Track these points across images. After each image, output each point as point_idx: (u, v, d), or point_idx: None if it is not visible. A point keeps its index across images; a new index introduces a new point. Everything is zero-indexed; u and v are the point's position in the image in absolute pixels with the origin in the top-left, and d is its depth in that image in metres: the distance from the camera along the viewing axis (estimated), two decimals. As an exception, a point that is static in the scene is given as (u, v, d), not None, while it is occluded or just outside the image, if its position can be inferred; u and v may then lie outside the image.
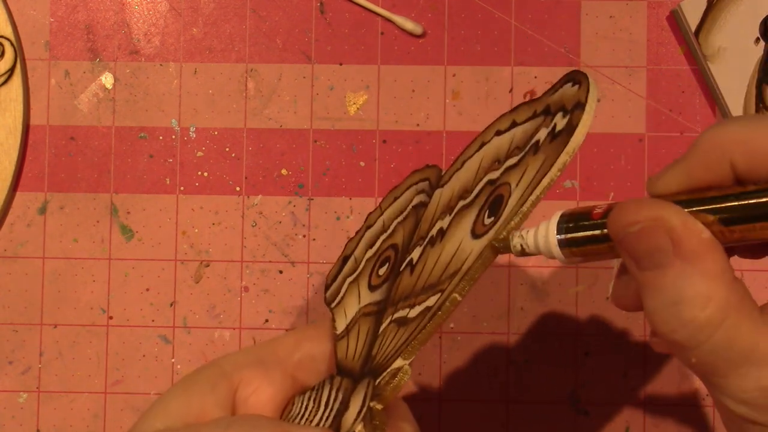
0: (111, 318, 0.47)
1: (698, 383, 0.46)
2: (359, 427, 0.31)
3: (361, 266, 0.36)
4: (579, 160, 0.47)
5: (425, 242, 0.33)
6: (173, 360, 0.47)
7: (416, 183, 0.37)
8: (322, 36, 0.47)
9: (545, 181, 0.28)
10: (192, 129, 0.47)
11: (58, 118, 0.47)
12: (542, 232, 0.29)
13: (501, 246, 0.29)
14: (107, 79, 0.48)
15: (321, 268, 0.47)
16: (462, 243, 0.31)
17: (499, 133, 0.33)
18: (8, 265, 0.47)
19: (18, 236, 0.47)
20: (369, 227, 0.37)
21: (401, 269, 0.33)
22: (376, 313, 0.34)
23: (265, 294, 0.47)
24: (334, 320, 0.34)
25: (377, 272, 0.35)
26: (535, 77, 0.47)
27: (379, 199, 0.47)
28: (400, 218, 0.36)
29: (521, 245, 0.29)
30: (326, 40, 0.47)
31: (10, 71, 0.47)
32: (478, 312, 0.47)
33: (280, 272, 0.47)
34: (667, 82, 0.47)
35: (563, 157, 0.28)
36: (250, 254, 0.47)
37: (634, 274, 0.27)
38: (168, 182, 0.47)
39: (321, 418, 0.32)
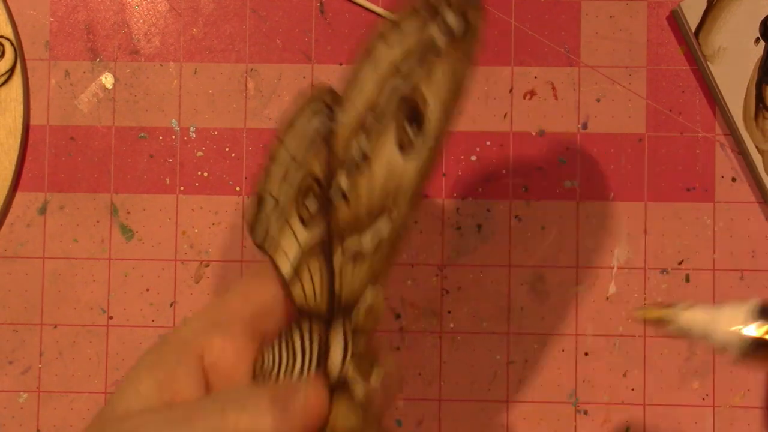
0: (111, 318, 0.47)
1: (698, 383, 0.46)
2: (350, 365, 0.31)
3: (282, 203, 0.35)
4: (579, 160, 0.47)
5: (349, 168, 0.32)
6: (173, 360, 0.47)
7: (309, 105, 0.35)
8: (322, 36, 0.47)
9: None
10: (192, 129, 0.47)
11: (58, 118, 0.47)
12: (724, 323, 0.26)
13: (649, 317, 0.28)
14: (107, 79, 0.48)
15: (321, 268, 0.47)
16: (391, 160, 0.31)
17: (383, 37, 0.32)
18: (8, 265, 0.47)
19: (18, 236, 0.47)
20: (273, 160, 0.35)
21: (334, 200, 0.33)
22: (322, 249, 0.33)
23: (265, 294, 0.47)
24: (276, 265, 0.34)
25: (305, 207, 0.34)
26: (535, 77, 0.47)
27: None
28: (307, 146, 0.34)
29: (687, 326, 0.26)
30: (326, 40, 0.47)
31: (10, 71, 0.47)
32: (478, 312, 0.47)
33: (280, 272, 0.47)
34: (667, 82, 0.47)
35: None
36: (250, 254, 0.47)
37: None
38: (168, 182, 0.47)
39: (302, 365, 0.32)
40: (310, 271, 0.33)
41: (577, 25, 0.47)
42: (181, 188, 0.47)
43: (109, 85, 0.48)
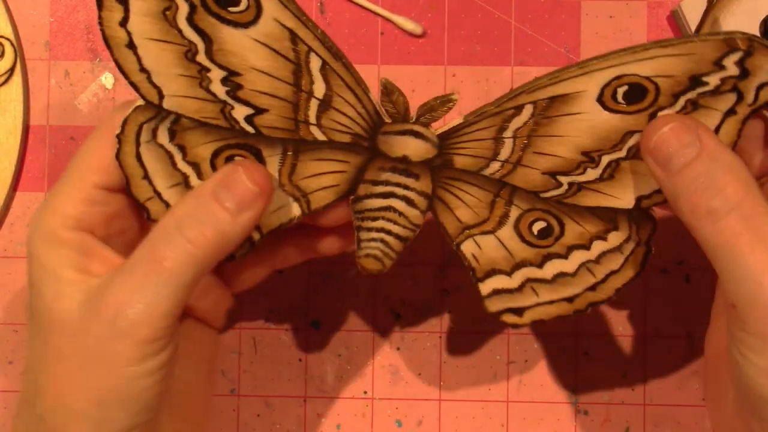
0: (111, 318, 0.47)
1: (698, 383, 0.46)
2: (433, 134, 0.33)
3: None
4: (579, 160, 0.47)
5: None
6: (173, 360, 0.47)
7: (134, 128, 0.35)
8: (322, 36, 0.47)
9: None
10: (192, 129, 0.47)
11: (58, 118, 0.47)
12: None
13: None
14: (107, 79, 0.48)
15: (321, 267, 0.47)
16: None
17: None
18: (8, 265, 0.47)
19: (18, 236, 0.47)
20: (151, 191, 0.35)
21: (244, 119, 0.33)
22: (294, 152, 0.33)
23: (265, 294, 0.47)
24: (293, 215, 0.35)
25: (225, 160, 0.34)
26: (536, 77, 0.47)
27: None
28: (165, 163, 0.35)
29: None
30: (326, 40, 0.47)
31: (10, 71, 0.47)
32: (478, 312, 0.47)
33: (280, 272, 0.47)
34: (667, 82, 0.47)
35: None
36: (250, 254, 0.47)
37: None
38: (168, 182, 0.47)
39: (404, 192, 0.34)
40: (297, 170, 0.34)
41: (577, 25, 0.47)
42: (181, 188, 0.47)
43: (109, 85, 0.48)
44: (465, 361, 0.46)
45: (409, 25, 0.47)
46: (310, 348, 0.47)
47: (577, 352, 0.46)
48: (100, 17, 0.31)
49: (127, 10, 0.31)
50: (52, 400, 0.31)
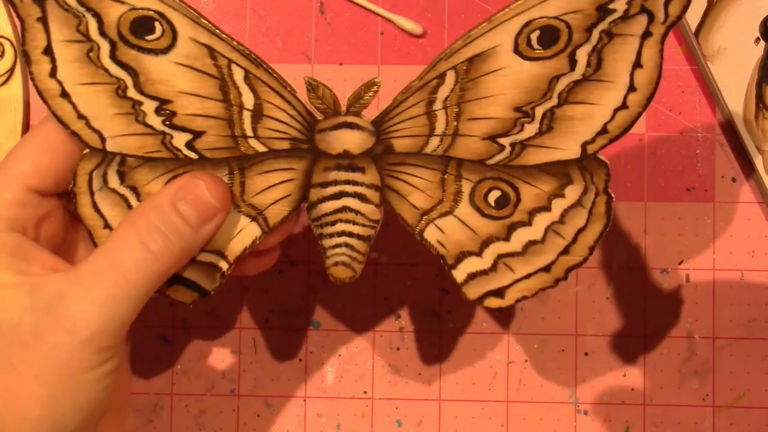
0: (111, 318, 0.47)
1: (698, 383, 0.46)
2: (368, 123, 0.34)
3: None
4: (579, 160, 0.47)
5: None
6: (173, 360, 0.47)
7: (86, 173, 0.35)
8: (322, 36, 0.47)
9: None
10: (192, 129, 0.47)
11: (58, 118, 0.47)
12: None
13: None
14: (107, 79, 0.48)
15: (321, 268, 0.47)
16: None
17: None
18: (8, 265, 0.47)
19: (18, 236, 0.47)
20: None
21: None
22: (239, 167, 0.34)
23: (265, 294, 0.47)
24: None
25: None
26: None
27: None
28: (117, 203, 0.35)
29: None
30: (326, 40, 0.47)
31: (10, 71, 0.47)
32: (478, 312, 0.47)
33: (280, 272, 0.47)
34: (667, 82, 0.47)
35: None
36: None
37: None
38: (168, 182, 0.47)
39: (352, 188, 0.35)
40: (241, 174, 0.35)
41: (577, 25, 0.47)
42: (181, 188, 0.47)
43: (109, 85, 0.48)
44: (465, 361, 0.46)
45: (409, 25, 0.47)
46: (310, 348, 0.47)
47: (577, 352, 0.46)
48: (30, 72, 0.33)
49: (54, 60, 0.33)
50: (1, 409, 0.31)
